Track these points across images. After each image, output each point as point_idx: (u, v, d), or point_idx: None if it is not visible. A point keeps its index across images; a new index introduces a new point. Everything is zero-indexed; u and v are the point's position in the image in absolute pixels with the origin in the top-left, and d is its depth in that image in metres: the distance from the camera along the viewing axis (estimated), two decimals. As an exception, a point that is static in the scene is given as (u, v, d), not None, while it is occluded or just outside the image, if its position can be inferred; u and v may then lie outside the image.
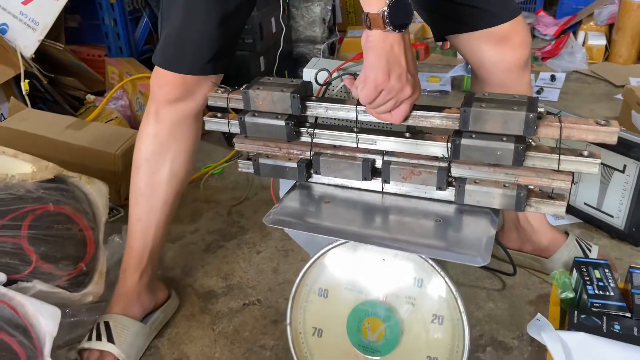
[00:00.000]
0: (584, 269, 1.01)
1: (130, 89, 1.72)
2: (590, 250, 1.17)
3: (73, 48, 1.90)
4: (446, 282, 0.79)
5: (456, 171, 0.75)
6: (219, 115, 0.89)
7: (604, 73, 2.26)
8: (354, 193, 0.86)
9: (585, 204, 1.33)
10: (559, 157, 0.69)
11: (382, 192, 0.83)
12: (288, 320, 0.89)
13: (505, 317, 1.08)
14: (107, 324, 1.00)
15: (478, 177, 0.75)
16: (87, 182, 1.12)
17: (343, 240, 0.84)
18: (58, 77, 1.79)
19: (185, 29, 0.90)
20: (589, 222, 1.34)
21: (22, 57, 1.64)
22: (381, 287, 0.83)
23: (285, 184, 1.13)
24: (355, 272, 0.84)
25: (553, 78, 2.23)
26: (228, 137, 1.75)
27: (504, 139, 0.70)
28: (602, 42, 2.41)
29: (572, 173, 0.71)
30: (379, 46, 0.66)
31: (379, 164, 0.82)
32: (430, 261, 0.79)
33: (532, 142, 0.71)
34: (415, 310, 0.82)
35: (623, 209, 1.25)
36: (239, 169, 0.90)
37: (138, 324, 1.02)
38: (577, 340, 0.83)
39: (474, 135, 0.71)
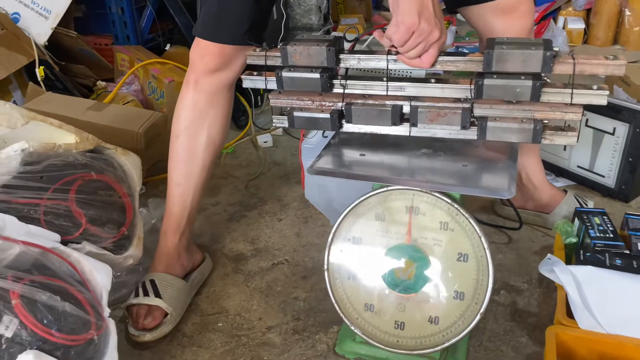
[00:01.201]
0: (585, 217, 1.12)
1: (141, 74, 1.78)
2: (587, 205, 1.29)
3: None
4: (470, 222, 0.88)
5: (478, 111, 0.84)
6: (255, 73, 0.96)
7: (582, 52, 2.40)
8: (386, 148, 0.95)
9: (578, 166, 1.45)
10: (572, 91, 0.79)
11: (410, 135, 0.91)
12: (325, 266, 0.97)
13: (514, 265, 1.19)
14: (152, 282, 1.07)
15: (498, 115, 0.84)
16: (123, 154, 1.19)
17: (373, 193, 0.93)
18: (68, 65, 1.85)
19: (224, 4, 0.98)
20: (582, 183, 1.45)
21: (36, 44, 1.69)
22: (410, 231, 0.92)
23: (307, 152, 1.21)
24: (386, 219, 0.93)
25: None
26: (236, 119, 1.83)
27: (523, 77, 0.79)
28: (581, 26, 2.55)
29: (583, 105, 0.80)
30: None
31: (406, 109, 0.89)
32: (455, 205, 0.88)
33: (547, 79, 0.81)
34: (442, 250, 0.92)
35: (613, 168, 1.37)
36: (274, 124, 0.98)
37: (181, 281, 1.10)
38: (585, 272, 0.94)
39: (495, 76, 0.80)
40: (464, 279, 0.91)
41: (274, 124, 0.98)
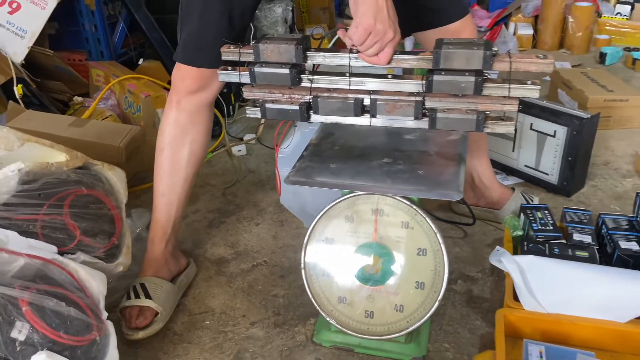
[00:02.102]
0: (529, 212, 1.27)
1: (117, 90, 1.86)
2: (532, 201, 1.44)
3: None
4: (427, 221, 1.01)
5: (429, 103, 0.96)
6: (229, 68, 1.04)
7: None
8: (353, 159, 1.07)
9: (525, 165, 1.60)
10: (509, 85, 0.92)
11: (370, 125, 1.02)
12: (302, 265, 1.09)
13: (469, 257, 1.33)
14: (142, 285, 1.17)
15: (446, 107, 0.96)
16: (109, 169, 1.28)
17: (343, 198, 1.05)
18: (44, 81, 1.91)
19: (202, 31, 1.08)
20: (529, 181, 1.61)
21: (13, 63, 1.75)
22: (376, 231, 1.05)
23: (281, 161, 1.32)
24: (355, 220, 1.06)
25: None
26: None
27: (467, 74, 0.91)
28: (530, 31, 2.73)
29: (519, 98, 0.93)
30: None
31: (367, 102, 1.00)
32: (414, 206, 1.01)
33: (488, 76, 0.94)
34: (404, 246, 1.04)
35: (556, 167, 1.53)
36: (247, 115, 1.07)
37: (169, 283, 1.19)
38: (528, 261, 1.08)
39: (443, 73, 0.92)
40: (423, 271, 1.04)
41: (247, 114, 1.07)
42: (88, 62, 2.01)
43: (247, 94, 1.05)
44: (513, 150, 1.61)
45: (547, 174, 1.56)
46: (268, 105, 1.04)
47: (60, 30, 2.07)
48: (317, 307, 1.08)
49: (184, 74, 1.12)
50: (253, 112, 1.07)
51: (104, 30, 2.01)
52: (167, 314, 1.15)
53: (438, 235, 1.02)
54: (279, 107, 1.03)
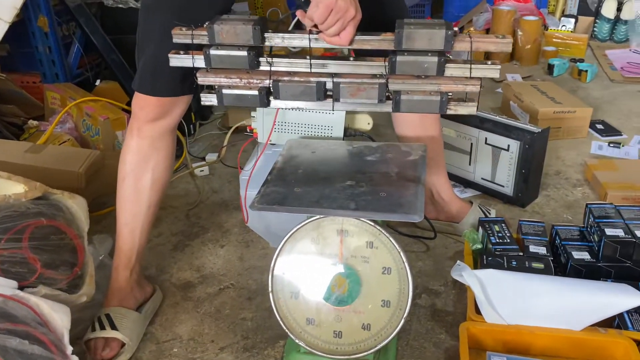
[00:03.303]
0: (487, 226, 1.32)
1: (75, 112, 1.82)
2: (490, 213, 1.49)
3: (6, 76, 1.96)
4: (390, 240, 1.04)
5: (393, 85, 0.97)
6: (181, 52, 1.01)
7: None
8: (317, 183, 1.08)
9: (482, 178, 1.66)
10: (470, 66, 0.95)
11: (333, 110, 1.02)
12: (270, 289, 1.10)
13: (432, 271, 1.36)
14: (107, 315, 1.15)
15: (410, 89, 0.98)
16: (69, 197, 1.26)
17: (309, 220, 1.07)
18: (-3, 106, 1.86)
19: (159, 59, 1.06)
20: (486, 193, 1.67)
21: (-37, 88, 1.70)
22: (342, 251, 1.07)
23: (244, 183, 1.33)
24: (320, 242, 1.07)
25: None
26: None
27: (429, 54, 0.93)
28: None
29: (481, 78, 0.96)
30: None
31: (329, 86, 1.00)
32: (378, 227, 1.04)
33: (450, 57, 0.96)
34: (369, 265, 1.07)
35: (510, 179, 1.59)
36: (202, 103, 1.03)
37: (134, 313, 1.18)
38: (487, 274, 1.12)
39: (406, 53, 0.94)
40: (389, 289, 1.06)
41: (202, 102, 1.03)
42: (43, 85, 1.97)
43: (201, 79, 1.01)
44: (470, 164, 1.67)
45: (502, 186, 1.61)
46: (225, 91, 1.01)
47: (12, 52, 2.02)
48: (286, 330, 1.09)
49: (142, 102, 1.11)
50: (208, 99, 1.04)
51: (58, 51, 1.97)
52: (134, 344, 1.13)
53: (401, 254, 1.04)
54: (237, 92, 1.01)
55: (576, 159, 1.86)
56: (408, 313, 1.05)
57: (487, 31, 2.90)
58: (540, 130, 1.52)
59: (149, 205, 1.20)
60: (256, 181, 1.36)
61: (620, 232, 1.17)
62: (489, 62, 0.97)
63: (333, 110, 1.04)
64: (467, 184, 1.70)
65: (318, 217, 1.06)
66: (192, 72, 1.09)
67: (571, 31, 2.94)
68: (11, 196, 1.12)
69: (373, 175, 1.10)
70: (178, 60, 1.02)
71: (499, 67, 0.97)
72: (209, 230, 1.56)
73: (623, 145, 1.93)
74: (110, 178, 1.60)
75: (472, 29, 2.93)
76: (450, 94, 1.00)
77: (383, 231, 1.04)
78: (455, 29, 0.95)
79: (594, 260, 1.18)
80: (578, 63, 2.63)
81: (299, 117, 1.32)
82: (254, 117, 1.34)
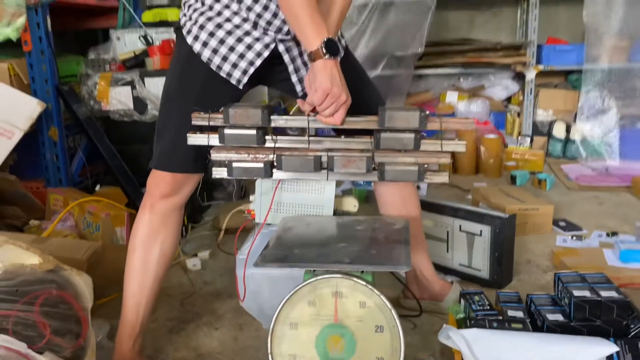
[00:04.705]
0: (468, 297, 1.42)
1: (76, 212, 1.94)
2: (469, 291, 1.60)
3: (11, 182, 2.08)
4: (382, 299, 1.14)
5: (378, 158, 1.15)
6: (198, 132, 1.20)
7: (454, 182, 2.92)
8: (313, 245, 1.20)
9: (460, 264, 1.79)
10: (441, 142, 1.13)
11: (327, 179, 1.18)
12: (269, 351, 1.16)
13: (420, 343, 1.43)
14: (110, 384, 1.18)
15: (392, 161, 1.15)
16: (77, 274, 1.33)
17: (305, 283, 1.17)
18: (0, 207, 1.96)
19: (176, 143, 1.24)
20: (464, 278, 1.78)
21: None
22: (336, 313, 1.15)
23: (240, 263, 1.43)
24: (317, 304, 1.16)
25: (418, 187, 2.83)
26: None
27: (407, 132, 1.12)
28: (449, 160, 3.11)
29: (451, 152, 1.16)
30: (322, 69, 1.08)
31: (324, 159, 1.17)
32: (369, 286, 1.14)
33: (424, 134, 1.14)
34: (362, 324, 1.15)
35: (486, 263, 1.72)
36: (213, 176, 1.20)
37: (136, 382, 1.21)
38: (472, 333, 1.21)
39: (388, 131, 1.12)
40: (382, 347, 1.14)
41: (213, 175, 1.20)
42: (46, 189, 2.10)
43: (215, 155, 1.19)
44: (447, 251, 1.81)
45: (479, 270, 1.74)
46: (235, 165, 1.18)
47: (19, 160, 2.18)
48: (286, 391, 1.13)
49: (158, 179, 1.25)
50: (219, 173, 1.21)
51: (64, 159, 2.13)
52: (134, 411, 1.15)
53: (393, 312, 1.14)
54: (245, 165, 1.19)
55: (544, 249, 2.02)
56: (401, 368, 1.12)
57: (454, 149, 3.20)
58: (508, 216, 1.69)
59: (155, 277, 1.28)
60: (252, 261, 1.46)
61: (587, 293, 1.29)
62: (457, 139, 1.17)
63: (327, 179, 1.20)
64: (446, 271, 1.82)
65: (314, 279, 1.16)
66: (203, 153, 1.26)
67: (529, 148, 3.26)
68: (28, 265, 1.20)
69: (363, 239, 1.23)
70: (195, 139, 1.20)
71: (465, 142, 1.17)
72: (203, 316, 1.62)
73: (585, 239, 2.10)
74: (109, 270, 1.69)
75: (440, 147, 3.23)
76: (426, 165, 1.18)
77: (375, 291, 1.14)
78: (427, 112, 1.16)
79: (567, 321, 1.28)
80: (537, 174, 2.91)
81: (293, 198, 1.46)
82: (252, 200, 1.49)
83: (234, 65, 1.21)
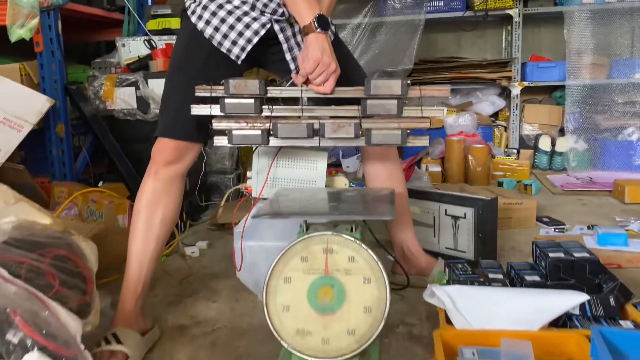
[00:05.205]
0: (452, 265, 1.51)
1: (80, 201, 2.02)
2: (454, 267, 1.68)
3: (17, 177, 2.18)
4: (370, 254, 1.23)
5: (365, 124, 1.25)
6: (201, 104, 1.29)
7: (443, 189, 3.02)
8: (309, 205, 1.30)
9: (445, 247, 1.87)
10: (422, 108, 1.23)
11: (319, 146, 1.28)
12: (264, 301, 1.24)
13: (408, 310, 1.51)
14: (114, 334, 1.25)
15: (377, 127, 1.25)
16: (83, 240, 1.41)
17: (298, 240, 1.26)
18: (7, 198, 2.04)
19: (179, 113, 1.34)
20: (449, 267, 1.86)
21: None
22: (327, 266, 1.24)
23: (238, 236, 1.52)
24: (309, 260, 1.25)
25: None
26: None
27: (390, 99, 1.22)
28: (438, 169, 3.23)
29: (429, 117, 1.25)
30: (314, 41, 1.20)
31: (316, 127, 1.27)
32: (358, 242, 1.23)
33: (406, 102, 1.25)
34: (351, 277, 1.23)
35: (470, 245, 1.81)
36: (215, 144, 1.29)
37: (138, 334, 1.28)
38: (455, 289, 1.29)
39: (374, 98, 1.23)
40: (369, 297, 1.22)
41: (215, 143, 1.29)
42: (53, 182, 2.19)
43: (216, 125, 1.28)
44: (434, 236, 1.90)
45: (464, 252, 1.83)
46: (235, 132, 1.28)
47: (25, 157, 2.27)
48: (279, 339, 1.21)
49: (162, 146, 1.36)
50: (220, 141, 1.30)
51: (69, 154, 2.24)
52: (137, 358, 1.22)
53: (379, 264, 1.22)
54: (244, 132, 1.28)
55: (528, 240, 2.10)
56: (387, 316, 1.19)
57: (442, 159, 3.32)
58: (490, 198, 1.79)
59: (158, 239, 1.37)
60: (250, 233, 1.55)
61: (561, 255, 1.38)
62: (436, 105, 1.29)
63: (319, 145, 1.30)
64: (433, 255, 1.89)
65: (306, 236, 1.25)
66: (204, 124, 1.36)
67: (515, 159, 3.39)
68: (39, 224, 1.29)
69: (352, 201, 1.33)
70: (199, 110, 1.31)
71: (444, 109, 1.28)
72: (201, 292, 1.69)
73: (567, 232, 2.19)
74: (111, 253, 1.76)
75: (429, 158, 3.35)
76: (409, 130, 1.29)
77: (363, 246, 1.23)
78: (409, 81, 1.28)
79: (544, 281, 1.36)
80: (524, 181, 3.02)
81: (287, 174, 1.56)
82: (249, 177, 1.58)
83: (234, 42, 1.34)
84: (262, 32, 1.33)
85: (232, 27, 1.32)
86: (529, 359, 1.05)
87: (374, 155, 1.55)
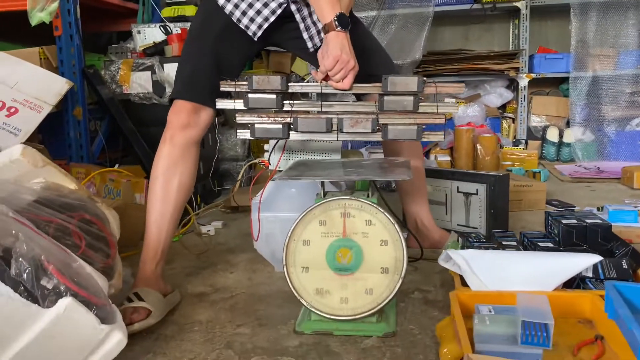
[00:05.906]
0: (466, 235, 1.54)
1: (97, 181, 2.06)
2: (467, 240, 1.71)
3: (36, 159, 2.22)
4: (387, 217, 1.26)
5: (382, 119, 1.29)
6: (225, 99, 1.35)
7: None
8: (328, 169, 1.33)
9: (458, 224, 1.90)
10: (437, 104, 1.26)
11: (337, 139, 1.31)
12: (284, 262, 1.27)
13: (422, 279, 1.53)
14: (136, 293, 1.28)
15: (394, 122, 1.28)
16: (106, 208, 1.45)
17: (317, 204, 1.29)
18: (27, 178, 2.08)
19: (195, 75, 1.40)
20: (462, 236, 1.89)
21: (4, 155, 1.94)
22: (345, 229, 1.27)
23: (255, 207, 1.55)
24: (327, 223, 1.28)
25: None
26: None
27: (407, 95, 1.25)
28: (447, 158, 3.26)
29: (444, 113, 1.27)
30: (334, 39, 1.24)
31: (335, 121, 1.31)
32: (375, 205, 1.26)
33: (422, 98, 1.28)
34: (369, 239, 1.26)
35: (482, 220, 1.84)
36: (237, 137, 1.34)
37: (160, 294, 1.31)
38: (470, 253, 1.31)
39: (390, 95, 1.26)
40: (386, 258, 1.25)
41: (238, 136, 1.34)
42: (70, 164, 2.23)
43: (239, 119, 1.33)
44: (446, 213, 1.92)
45: (476, 228, 1.85)
46: (257, 126, 1.32)
47: (43, 141, 2.32)
48: (299, 298, 1.24)
49: (177, 108, 1.40)
50: (243, 134, 1.35)
51: (86, 137, 2.28)
52: (159, 314, 1.25)
53: (396, 227, 1.25)
54: (266, 126, 1.32)
55: (538, 219, 2.13)
56: (404, 276, 1.23)
57: (451, 149, 3.35)
58: (502, 174, 1.82)
59: (175, 205, 1.40)
60: (267, 204, 1.59)
61: (574, 221, 1.41)
62: (452, 101, 1.32)
63: (337, 139, 1.35)
64: (446, 231, 1.93)
65: (324, 200, 1.28)
66: (218, 89, 1.38)
67: (523, 149, 3.41)
68: (65, 187, 1.33)
69: (369, 167, 1.36)
70: (222, 104, 1.35)
71: (458, 105, 1.32)
72: (218, 265, 1.72)
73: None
74: (130, 229, 1.80)
75: (438, 148, 3.38)
76: (424, 126, 1.32)
77: (380, 209, 1.26)
78: (424, 78, 1.31)
79: (557, 247, 1.39)
80: (532, 169, 3.04)
81: (303, 145, 1.60)
82: (267, 151, 1.62)
83: (251, 20, 1.38)
84: (279, 11, 1.37)
85: (250, 5, 1.37)
86: (547, 312, 1.07)
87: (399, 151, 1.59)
